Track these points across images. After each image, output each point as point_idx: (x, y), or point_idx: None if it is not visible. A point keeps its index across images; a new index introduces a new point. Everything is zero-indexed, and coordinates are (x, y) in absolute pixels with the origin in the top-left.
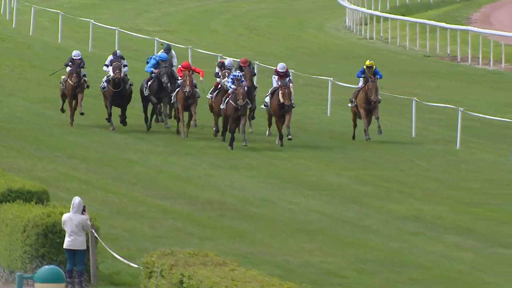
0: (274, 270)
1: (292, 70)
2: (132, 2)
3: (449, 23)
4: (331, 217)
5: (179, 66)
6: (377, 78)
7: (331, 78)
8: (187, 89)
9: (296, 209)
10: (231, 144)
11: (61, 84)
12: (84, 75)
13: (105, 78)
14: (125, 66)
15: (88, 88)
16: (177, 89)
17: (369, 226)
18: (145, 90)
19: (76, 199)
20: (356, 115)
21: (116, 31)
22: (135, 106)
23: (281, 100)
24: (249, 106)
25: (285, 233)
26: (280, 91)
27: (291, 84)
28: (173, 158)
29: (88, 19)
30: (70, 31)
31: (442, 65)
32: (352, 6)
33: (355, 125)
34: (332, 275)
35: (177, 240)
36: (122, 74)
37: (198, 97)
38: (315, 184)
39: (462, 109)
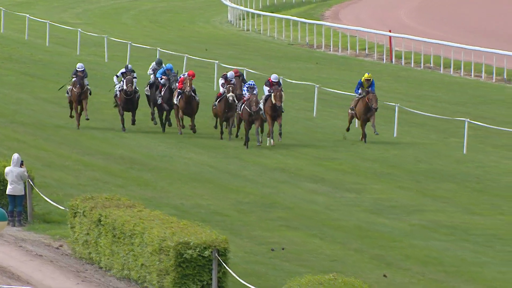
0: (172, 211)
1: (185, 55)
2: (58, 0)
3: (308, 19)
4: (217, 169)
5: (181, 76)
6: (371, 91)
7: (217, 61)
8: (187, 89)
9: (189, 163)
10: (246, 144)
11: (67, 94)
12: (87, 84)
13: (118, 88)
14: (135, 78)
15: (90, 94)
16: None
17: (246, 176)
18: (159, 99)
19: (15, 155)
20: (352, 118)
21: (47, 23)
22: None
23: (273, 101)
24: (261, 112)
25: (181, 181)
26: (272, 94)
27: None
28: (92, 123)
29: (24, 14)
30: (10, 24)
31: (302, 52)
32: (233, 5)
33: (350, 123)
34: (217, 215)
35: (96, 188)
36: (133, 87)
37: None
38: (205, 144)
39: (318, 85)
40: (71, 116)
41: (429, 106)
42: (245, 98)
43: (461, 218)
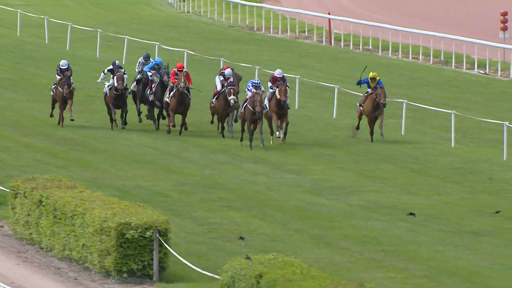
0: (114, 191)
1: (122, 36)
2: None
3: (248, 1)
4: (159, 150)
5: (173, 69)
6: (379, 86)
7: (158, 43)
8: (181, 85)
9: (131, 144)
10: (250, 145)
11: (52, 92)
12: (73, 83)
13: (107, 86)
14: (125, 74)
15: (75, 90)
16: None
17: (188, 157)
18: (150, 96)
19: None
20: (361, 115)
21: None
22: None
23: (278, 96)
24: (265, 111)
25: (122, 162)
26: (277, 89)
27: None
28: (34, 105)
29: None
30: None
31: (242, 34)
32: None
33: (360, 119)
34: (159, 195)
35: (37, 169)
36: (124, 84)
37: (190, 99)
38: (147, 126)
39: (258, 67)
40: (51, 116)
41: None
42: (247, 97)
43: (399, 199)
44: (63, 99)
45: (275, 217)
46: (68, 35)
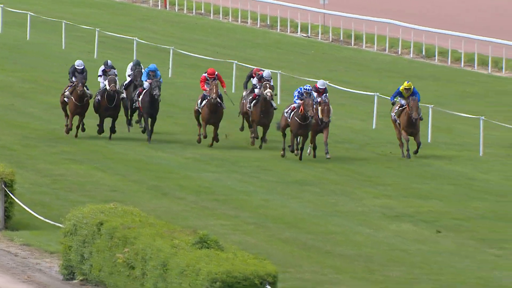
0: None
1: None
2: None
3: None
4: (2, 107)
5: (204, 74)
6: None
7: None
8: (213, 96)
9: None
10: (299, 155)
11: (65, 98)
12: (87, 88)
13: (98, 93)
14: (116, 75)
15: (91, 98)
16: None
17: (33, 113)
18: (135, 103)
19: None
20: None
21: None
22: None
23: (320, 116)
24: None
25: None
26: (319, 108)
27: (327, 100)
28: None
29: None
30: None
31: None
32: None
33: (400, 133)
34: (4, 149)
35: None
36: (117, 87)
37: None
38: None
39: (98, 29)
40: (69, 128)
41: (201, 49)
42: (294, 106)
43: (230, 152)
44: (75, 106)
45: (115, 169)
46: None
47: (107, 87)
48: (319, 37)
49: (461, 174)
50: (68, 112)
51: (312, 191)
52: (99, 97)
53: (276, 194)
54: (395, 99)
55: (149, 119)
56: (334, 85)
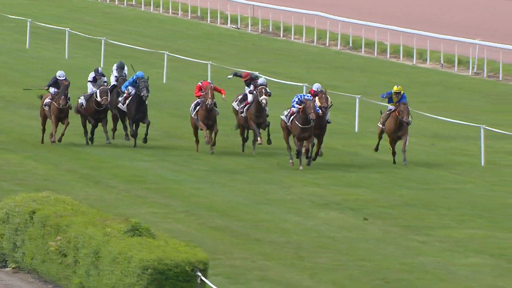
0: None
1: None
2: None
3: None
4: None
5: (199, 83)
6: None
7: None
8: (209, 101)
9: None
10: (304, 163)
11: (46, 107)
12: (69, 98)
13: (87, 94)
14: (105, 82)
15: (71, 109)
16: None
17: None
18: (122, 107)
19: None
20: (382, 133)
21: None
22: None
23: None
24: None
25: None
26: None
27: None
28: None
29: None
30: None
31: None
32: None
33: (380, 138)
34: None
35: None
36: (108, 100)
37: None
38: None
39: (30, 19)
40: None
41: (133, 40)
42: (293, 110)
43: (162, 141)
44: (58, 116)
45: (48, 159)
46: None
47: (98, 98)
48: (249, 29)
49: (387, 163)
50: (52, 118)
51: (243, 179)
52: (83, 101)
53: (207, 183)
54: (385, 98)
55: (134, 124)
56: (264, 76)
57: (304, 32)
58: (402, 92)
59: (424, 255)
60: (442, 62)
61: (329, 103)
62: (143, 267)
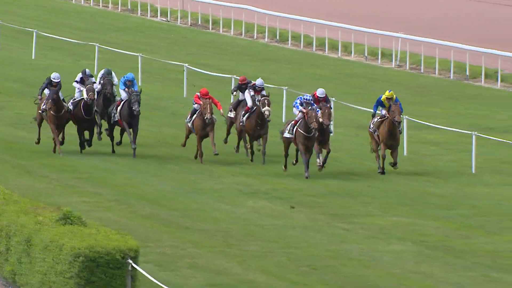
0: None
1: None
2: None
3: None
4: None
5: (197, 93)
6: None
7: None
8: (208, 116)
9: None
10: (306, 171)
11: (42, 112)
12: (63, 100)
13: (76, 97)
14: (94, 83)
15: (69, 112)
16: (193, 116)
17: None
18: (114, 116)
19: None
20: (378, 145)
21: None
22: None
23: (320, 119)
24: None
25: None
26: (320, 111)
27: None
28: None
29: None
30: None
31: None
32: None
33: (376, 145)
34: None
35: None
36: (95, 96)
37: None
38: None
39: (0, 21)
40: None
41: (64, 32)
42: (296, 120)
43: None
44: (55, 121)
45: None
46: None
47: (85, 97)
48: (178, 22)
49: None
50: (51, 126)
51: (173, 169)
52: (71, 108)
53: (137, 172)
54: (377, 110)
55: (130, 129)
56: (193, 68)
57: (232, 25)
58: (394, 96)
59: (349, 242)
60: (366, 54)
61: (331, 119)
62: (74, 254)
